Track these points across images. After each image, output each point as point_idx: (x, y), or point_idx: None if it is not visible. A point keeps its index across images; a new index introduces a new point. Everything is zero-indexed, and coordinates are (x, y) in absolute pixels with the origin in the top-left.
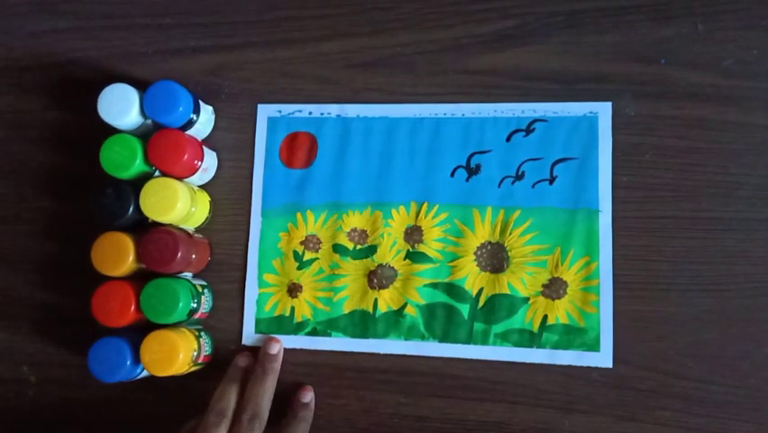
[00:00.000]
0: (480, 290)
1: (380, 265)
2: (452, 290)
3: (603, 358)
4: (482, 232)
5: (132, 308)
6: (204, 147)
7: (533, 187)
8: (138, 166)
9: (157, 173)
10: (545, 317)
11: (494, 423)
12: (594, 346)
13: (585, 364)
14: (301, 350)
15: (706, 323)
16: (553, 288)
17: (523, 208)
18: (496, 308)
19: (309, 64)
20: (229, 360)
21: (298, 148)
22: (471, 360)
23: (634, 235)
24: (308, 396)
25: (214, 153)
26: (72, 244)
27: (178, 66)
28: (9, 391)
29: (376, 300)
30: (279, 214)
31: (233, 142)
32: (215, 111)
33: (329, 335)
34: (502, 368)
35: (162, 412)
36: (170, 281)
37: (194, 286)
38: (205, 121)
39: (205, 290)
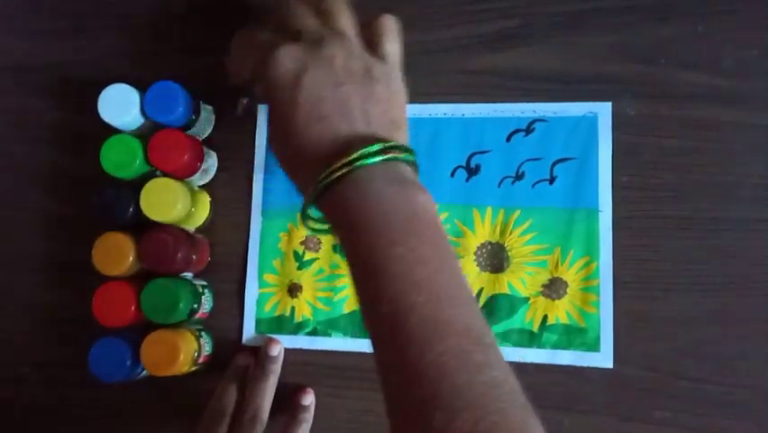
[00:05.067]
0: (481, 290)
1: None
2: None
3: (603, 358)
4: (482, 232)
5: (133, 308)
6: (204, 147)
7: (533, 187)
8: (138, 166)
9: (157, 173)
10: (545, 317)
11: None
12: (594, 347)
13: (585, 365)
14: (301, 350)
15: (706, 323)
16: (553, 288)
17: (523, 208)
18: (496, 308)
19: None
20: (229, 360)
21: None
22: None
23: (634, 235)
24: (309, 399)
25: (214, 153)
26: (72, 244)
27: (178, 66)
28: (9, 391)
29: None
30: (280, 214)
31: (233, 143)
32: (215, 111)
33: (329, 335)
34: None
35: (162, 412)
36: (170, 281)
37: (194, 286)
38: (205, 121)
39: (206, 290)
